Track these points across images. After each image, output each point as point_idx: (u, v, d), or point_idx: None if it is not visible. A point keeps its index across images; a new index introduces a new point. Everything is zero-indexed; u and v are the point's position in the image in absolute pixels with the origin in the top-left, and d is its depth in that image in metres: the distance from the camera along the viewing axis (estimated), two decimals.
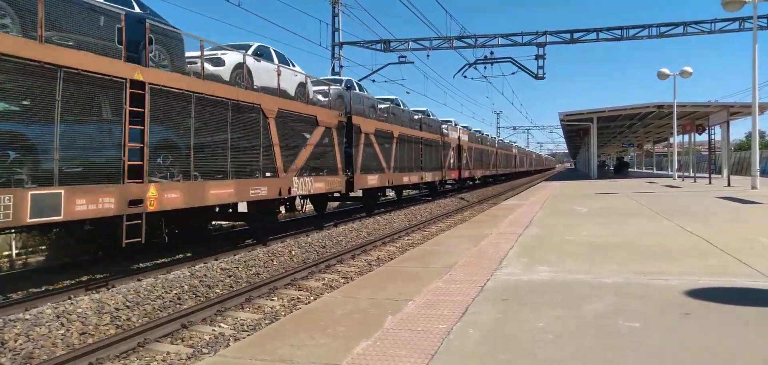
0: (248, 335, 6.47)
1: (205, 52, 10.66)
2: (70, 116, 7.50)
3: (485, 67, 31.85)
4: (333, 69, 29.87)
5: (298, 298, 8.53)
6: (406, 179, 22.08)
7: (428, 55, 31.60)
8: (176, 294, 8.31)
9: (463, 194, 30.89)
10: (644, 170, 63.11)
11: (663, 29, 28.07)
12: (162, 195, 8.94)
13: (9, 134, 6.94)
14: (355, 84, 19.53)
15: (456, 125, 33.41)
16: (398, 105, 23.21)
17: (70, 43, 7.70)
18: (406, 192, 26.69)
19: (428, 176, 25.02)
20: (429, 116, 27.55)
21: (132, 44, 8.73)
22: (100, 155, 8.07)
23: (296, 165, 13.28)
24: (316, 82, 16.01)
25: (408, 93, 59.72)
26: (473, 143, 35.86)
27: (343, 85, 17.99)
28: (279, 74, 12.90)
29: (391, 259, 10.98)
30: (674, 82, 27.37)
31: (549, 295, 4.68)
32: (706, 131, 26.64)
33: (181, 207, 9.44)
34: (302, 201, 16.42)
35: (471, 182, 36.74)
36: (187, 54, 10.47)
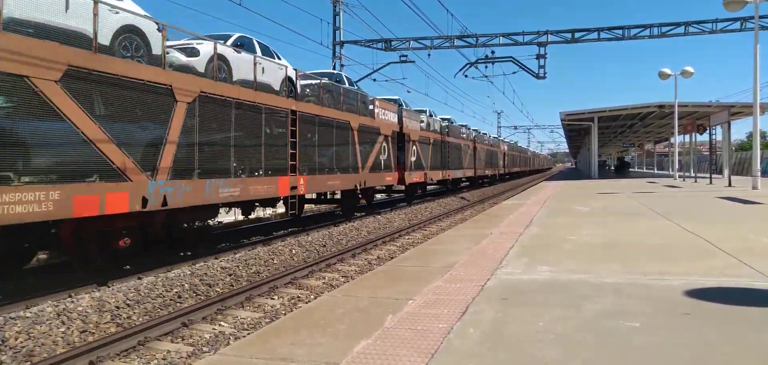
0: (248, 333, 6.47)
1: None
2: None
3: (486, 67, 31.89)
4: (334, 68, 29.86)
5: (299, 297, 8.53)
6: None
7: (429, 55, 31.54)
8: (177, 292, 8.31)
9: (464, 194, 30.91)
10: (645, 170, 63.06)
11: (664, 29, 28.01)
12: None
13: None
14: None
15: (467, 127, 34.70)
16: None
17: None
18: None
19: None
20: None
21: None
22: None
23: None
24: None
25: (408, 92, 59.42)
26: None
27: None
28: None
29: (392, 258, 10.98)
30: (675, 82, 27.35)
31: (549, 295, 4.67)
32: (707, 131, 26.61)
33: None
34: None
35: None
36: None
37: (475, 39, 29.98)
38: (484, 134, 41.89)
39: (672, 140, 37.05)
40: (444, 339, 3.61)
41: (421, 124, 24.64)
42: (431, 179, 25.61)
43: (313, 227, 15.24)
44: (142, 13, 9.19)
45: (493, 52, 30.72)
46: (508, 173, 51.65)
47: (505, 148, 50.31)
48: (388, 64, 30.90)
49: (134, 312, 7.37)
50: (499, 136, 70.56)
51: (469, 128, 35.78)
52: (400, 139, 21.31)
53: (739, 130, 78.98)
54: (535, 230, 9.00)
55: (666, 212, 11.23)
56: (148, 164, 8.69)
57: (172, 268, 9.52)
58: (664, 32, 27.99)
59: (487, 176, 41.27)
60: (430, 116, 27.36)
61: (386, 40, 30.48)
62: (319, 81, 15.37)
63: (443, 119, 30.06)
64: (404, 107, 23.27)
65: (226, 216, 17.35)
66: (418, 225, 16.95)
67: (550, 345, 3.44)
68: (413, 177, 22.52)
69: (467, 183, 36.98)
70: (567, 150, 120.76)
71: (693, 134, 29.81)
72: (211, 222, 12.56)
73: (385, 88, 55.26)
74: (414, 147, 22.84)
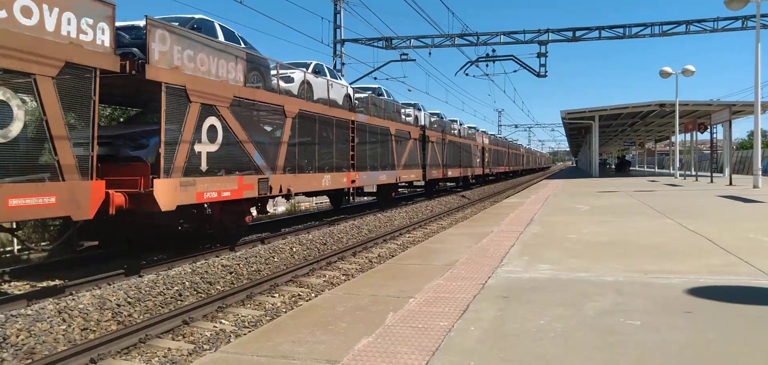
0: (249, 331, 6.47)
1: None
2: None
3: (487, 65, 31.78)
4: (334, 66, 29.86)
5: (299, 295, 8.53)
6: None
7: (430, 53, 31.40)
8: (177, 290, 8.32)
9: (465, 192, 30.89)
10: (646, 169, 63.04)
11: (665, 28, 27.91)
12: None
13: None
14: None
15: (419, 108, 32.44)
16: (331, 77, 27.21)
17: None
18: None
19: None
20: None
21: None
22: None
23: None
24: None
25: (409, 91, 59.44)
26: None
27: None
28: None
29: (393, 256, 10.99)
30: (676, 81, 27.36)
31: (550, 293, 4.67)
32: (708, 130, 26.59)
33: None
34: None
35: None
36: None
37: (475, 37, 29.93)
38: (452, 121, 31.99)
39: (673, 138, 37.04)
40: (445, 336, 3.61)
41: (252, 73, 11.52)
42: (289, 189, 12.77)
43: (314, 225, 15.24)
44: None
45: (493, 51, 30.69)
46: (490, 173, 42.01)
47: (486, 142, 40.40)
48: (389, 62, 30.90)
49: (135, 310, 7.38)
50: (500, 134, 70.18)
51: (421, 110, 25.46)
52: (148, 98, 10.02)
53: (741, 128, 79.13)
54: (535, 229, 8.99)
55: (667, 211, 11.22)
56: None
57: (173, 266, 9.53)
58: (665, 31, 27.90)
59: (454, 179, 31.93)
60: (321, 73, 15.98)
61: (387, 38, 30.46)
62: None
63: (362, 88, 20.49)
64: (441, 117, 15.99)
65: None
66: (418, 224, 16.96)
67: (550, 343, 3.44)
68: (199, 190, 9.56)
69: (422, 189, 28.34)
70: (567, 149, 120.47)
71: (694, 133, 29.79)
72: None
73: (385, 87, 55.14)
74: (218, 122, 10.16)
